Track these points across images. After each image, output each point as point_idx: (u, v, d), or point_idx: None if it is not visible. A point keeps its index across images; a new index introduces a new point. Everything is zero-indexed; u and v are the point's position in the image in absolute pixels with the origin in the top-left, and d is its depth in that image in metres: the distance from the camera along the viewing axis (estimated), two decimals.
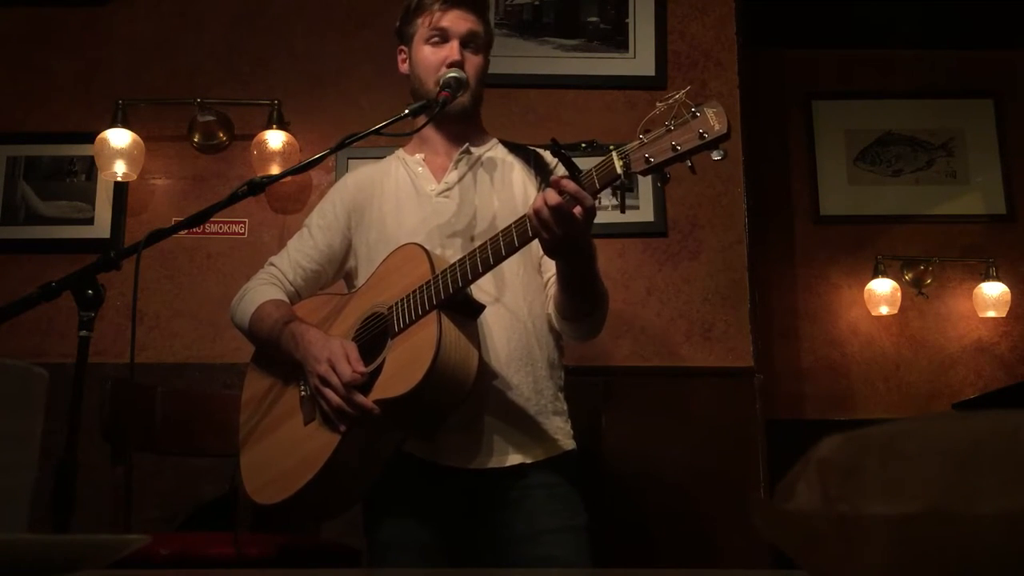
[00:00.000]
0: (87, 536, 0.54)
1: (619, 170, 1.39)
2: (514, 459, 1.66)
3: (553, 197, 1.41)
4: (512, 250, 1.51)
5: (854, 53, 4.19)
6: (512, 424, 1.66)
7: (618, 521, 2.57)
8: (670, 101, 1.37)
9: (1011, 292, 3.87)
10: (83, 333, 1.45)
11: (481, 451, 1.64)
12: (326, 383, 1.58)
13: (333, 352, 1.59)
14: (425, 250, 1.62)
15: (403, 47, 1.86)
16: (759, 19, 3.34)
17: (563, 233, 1.42)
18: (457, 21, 1.77)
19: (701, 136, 1.34)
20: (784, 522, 0.43)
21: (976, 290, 3.90)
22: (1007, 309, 3.86)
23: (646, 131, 1.40)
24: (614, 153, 1.41)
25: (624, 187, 1.41)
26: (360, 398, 1.55)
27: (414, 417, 1.59)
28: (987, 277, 3.88)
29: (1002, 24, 4.02)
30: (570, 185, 1.41)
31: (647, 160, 1.37)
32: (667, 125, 1.37)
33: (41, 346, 2.78)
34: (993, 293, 3.86)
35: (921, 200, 4.06)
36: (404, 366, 1.54)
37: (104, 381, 2.08)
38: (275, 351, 1.74)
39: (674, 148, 1.36)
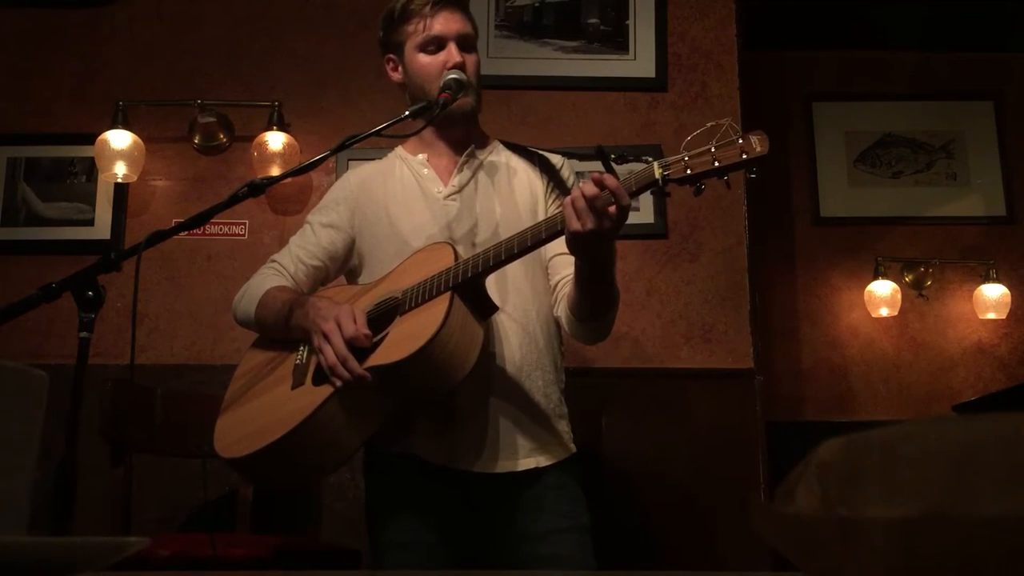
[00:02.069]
0: (86, 538, 0.54)
1: (657, 176, 1.43)
2: (529, 462, 1.67)
3: (590, 188, 1.42)
4: (538, 243, 1.53)
5: (854, 55, 4.20)
6: (525, 428, 1.67)
7: (618, 522, 2.57)
8: (717, 123, 1.44)
9: (1011, 294, 3.87)
10: (83, 335, 1.44)
11: (495, 455, 1.65)
12: (328, 339, 1.57)
13: (341, 312, 1.59)
14: (455, 249, 1.63)
15: (392, 56, 1.85)
16: (759, 21, 3.34)
17: (594, 227, 1.43)
18: (448, 24, 1.77)
19: (742, 155, 1.40)
20: (784, 525, 0.43)
21: (976, 292, 3.90)
22: (1007, 311, 3.86)
23: (689, 147, 1.44)
24: (655, 162, 1.44)
25: (662, 193, 1.45)
26: (354, 363, 1.54)
27: (403, 389, 1.58)
28: (987, 279, 3.88)
29: (1002, 26, 4.02)
30: (611, 180, 1.42)
31: (686, 170, 1.42)
32: (711, 144, 1.43)
33: (41, 347, 2.78)
34: (993, 295, 3.86)
35: (921, 202, 4.06)
36: (406, 337, 1.54)
37: (104, 383, 2.08)
38: (283, 330, 1.72)
39: (715, 163, 1.41)
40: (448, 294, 1.54)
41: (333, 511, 2.55)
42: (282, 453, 1.57)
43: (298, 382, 1.65)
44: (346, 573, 2.06)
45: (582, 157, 2.06)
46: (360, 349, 1.57)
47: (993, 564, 0.36)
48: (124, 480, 2.03)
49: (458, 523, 1.67)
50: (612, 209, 1.43)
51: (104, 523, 2.05)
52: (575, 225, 1.44)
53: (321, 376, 1.61)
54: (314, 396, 1.58)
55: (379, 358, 1.55)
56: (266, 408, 1.66)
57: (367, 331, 1.56)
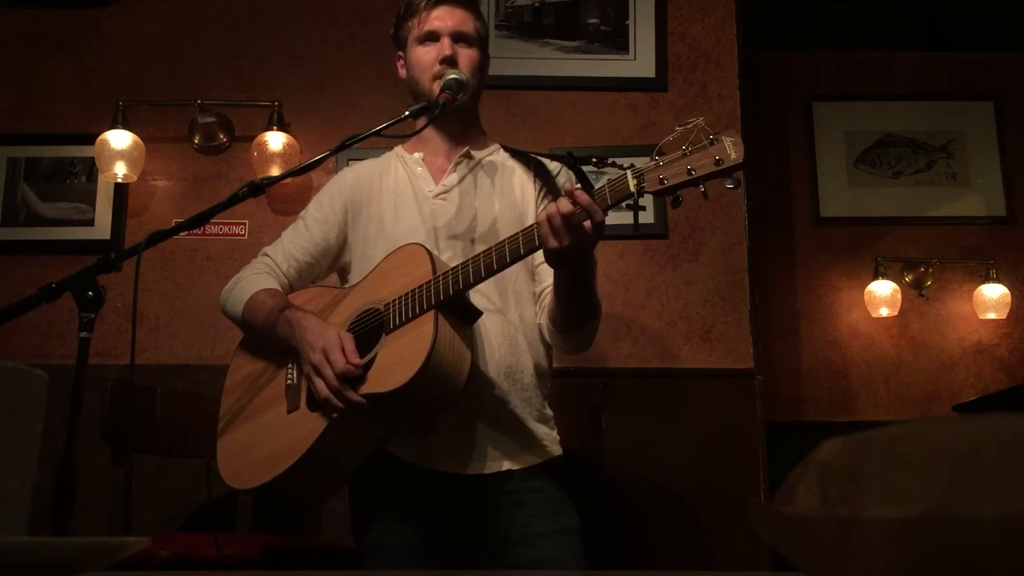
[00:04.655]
0: (87, 538, 0.54)
1: (632, 188, 1.41)
2: (502, 465, 1.66)
3: (565, 206, 1.42)
4: (516, 257, 1.52)
5: (854, 55, 4.20)
6: (500, 431, 1.67)
7: (617, 522, 2.57)
8: (688, 126, 1.40)
9: (1011, 294, 3.87)
10: (83, 335, 1.45)
11: (470, 457, 1.65)
12: (319, 372, 1.57)
13: (329, 341, 1.58)
14: (428, 251, 1.62)
15: (400, 53, 1.87)
16: (759, 21, 3.35)
17: (570, 244, 1.43)
18: (445, 17, 1.78)
19: (717, 163, 1.37)
20: (784, 525, 0.43)
21: (976, 292, 3.90)
22: (1007, 311, 3.86)
23: (661, 153, 1.42)
24: (628, 172, 1.42)
25: (637, 206, 1.42)
26: (350, 392, 1.54)
27: (401, 413, 1.59)
28: (987, 279, 3.88)
29: (1002, 26, 4.02)
30: (583, 197, 1.42)
31: (661, 181, 1.40)
32: (684, 149, 1.40)
33: (41, 348, 2.78)
34: (993, 295, 3.86)
35: (921, 202, 4.06)
36: (397, 362, 1.53)
37: (104, 383, 2.08)
38: (269, 339, 1.72)
39: (689, 172, 1.39)
40: (432, 314, 1.53)
41: (333, 511, 2.54)
42: (287, 484, 1.60)
43: (292, 405, 1.66)
44: (341, 573, 2.06)
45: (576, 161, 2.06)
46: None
47: (993, 565, 0.36)
48: (124, 480, 2.03)
49: (440, 525, 1.67)
50: (588, 224, 1.43)
51: (104, 523, 2.05)
52: (552, 243, 1.44)
53: (315, 402, 1.62)
54: (312, 425, 1.59)
55: (371, 386, 1.55)
56: (265, 433, 1.67)
57: (357, 360, 1.56)
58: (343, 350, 1.56)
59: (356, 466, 1.65)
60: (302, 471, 1.58)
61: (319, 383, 1.56)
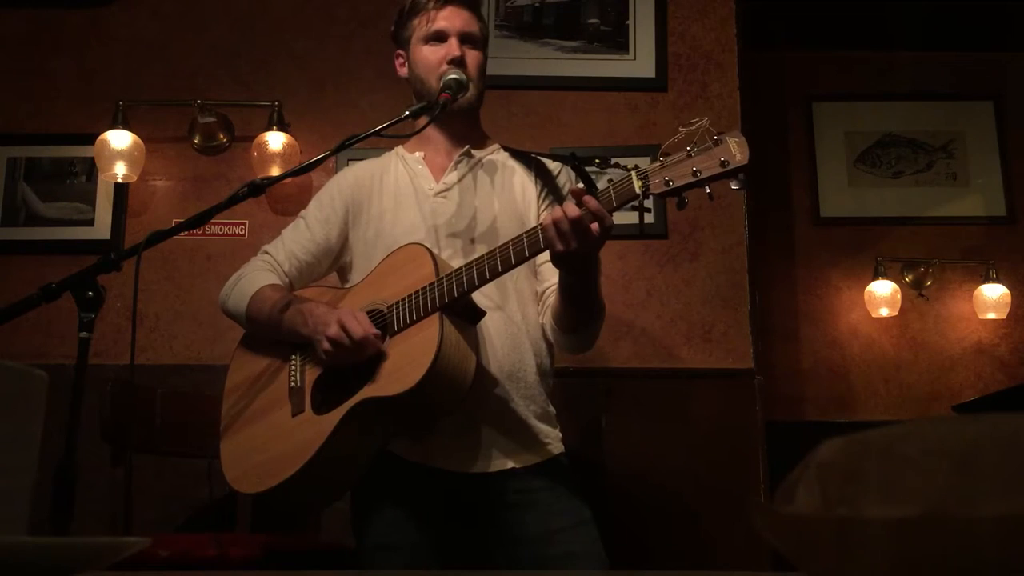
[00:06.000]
0: (86, 538, 0.54)
1: (638, 190, 1.41)
2: (506, 464, 1.66)
3: (572, 210, 1.42)
4: (521, 259, 1.52)
5: (854, 55, 4.19)
6: (503, 429, 1.66)
7: (617, 522, 2.56)
8: (692, 126, 1.40)
9: (1011, 294, 3.87)
10: (83, 335, 1.45)
11: (474, 455, 1.64)
12: (336, 344, 1.56)
13: (343, 314, 1.58)
14: (430, 252, 1.62)
15: (400, 51, 1.87)
16: (759, 21, 3.34)
17: (577, 247, 1.43)
18: (452, 18, 1.78)
19: (722, 164, 1.37)
20: (784, 525, 0.43)
21: (976, 292, 3.90)
22: (1007, 311, 3.86)
23: (666, 154, 1.42)
24: (633, 173, 1.42)
25: (643, 208, 1.42)
26: (378, 343, 1.55)
27: (406, 416, 1.59)
28: (987, 279, 3.88)
29: (1002, 26, 4.02)
30: (592, 202, 1.42)
31: (667, 183, 1.40)
32: (688, 150, 1.40)
33: (41, 348, 2.78)
34: (993, 295, 3.86)
35: (921, 202, 4.06)
36: (402, 366, 1.53)
37: (104, 383, 2.08)
38: (274, 332, 1.72)
39: (695, 174, 1.39)
40: (437, 316, 1.53)
41: (335, 510, 2.54)
42: (292, 489, 1.60)
43: (297, 408, 1.65)
44: (341, 573, 2.06)
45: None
46: (359, 376, 1.57)
47: (993, 565, 0.36)
48: (124, 480, 2.03)
49: (440, 524, 1.66)
50: (595, 227, 1.43)
51: (104, 523, 2.05)
52: (559, 246, 1.44)
53: (320, 403, 1.62)
54: (318, 428, 1.59)
55: (377, 389, 1.55)
56: (270, 437, 1.67)
57: (374, 330, 1.56)
58: (357, 320, 1.57)
59: (359, 470, 1.65)
60: (307, 476, 1.58)
61: (338, 353, 1.56)
